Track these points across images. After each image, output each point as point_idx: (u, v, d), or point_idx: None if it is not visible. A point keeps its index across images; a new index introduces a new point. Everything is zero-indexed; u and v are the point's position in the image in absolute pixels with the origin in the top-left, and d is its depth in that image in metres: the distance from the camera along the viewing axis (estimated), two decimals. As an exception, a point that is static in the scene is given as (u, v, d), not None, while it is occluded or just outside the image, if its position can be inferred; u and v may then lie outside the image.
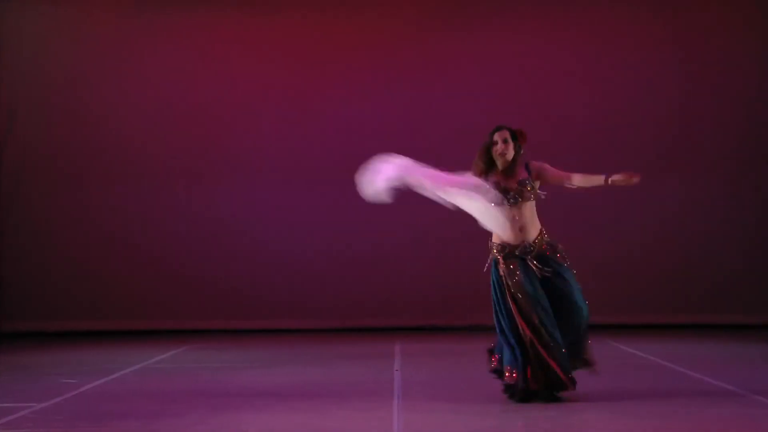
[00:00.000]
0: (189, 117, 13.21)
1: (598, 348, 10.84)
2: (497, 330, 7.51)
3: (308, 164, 13.17)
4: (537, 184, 7.54)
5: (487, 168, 7.55)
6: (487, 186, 7.30)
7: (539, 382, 7.22)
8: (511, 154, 7.53)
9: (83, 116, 13.23)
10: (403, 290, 13.07)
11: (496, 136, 7.58)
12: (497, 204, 7.34)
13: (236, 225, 13.13)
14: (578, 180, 7.58)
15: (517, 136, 7.58)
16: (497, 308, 7.54)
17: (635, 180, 7.38)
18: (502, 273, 7.53)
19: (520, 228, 7.47)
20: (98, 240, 13.20)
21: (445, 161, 12.99)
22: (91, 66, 13.25)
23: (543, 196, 7.55)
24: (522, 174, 7.51)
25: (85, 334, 12.74)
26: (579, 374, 7.35)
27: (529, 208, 7.49)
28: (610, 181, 7.44)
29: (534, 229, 7.49)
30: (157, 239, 13.17)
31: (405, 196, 13.32)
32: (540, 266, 7.42)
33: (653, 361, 9.68)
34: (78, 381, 8.54)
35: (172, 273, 13.13)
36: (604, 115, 13.21)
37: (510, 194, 7.43)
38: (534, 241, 7.47)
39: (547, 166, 7.58)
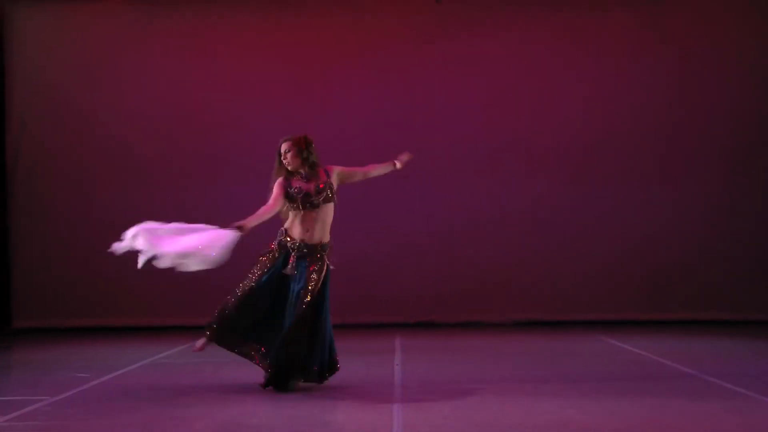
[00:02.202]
0: (196, 120, 13.19)
1: (592, 344, 10.91)
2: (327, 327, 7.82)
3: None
4: (335, 186, 7.89)
5: (288, 175, 7.83)
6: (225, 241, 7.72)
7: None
8: (295, 163, 7.80)
9: (92, 119, 13.21)
10: (403, 289, 13.07)
11: (282, 148, 7.89)
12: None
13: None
14: (375, 171, 8.11)
15: (303, 144, 7.86)
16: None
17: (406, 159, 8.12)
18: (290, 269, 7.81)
19: (320, 228, 7.80)
20: (106, 240, 13.09)
21: (441, 162, 13.16)
22: (97, 71, 13.23)
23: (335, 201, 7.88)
24: (322, 177, 7.83)
25: (95, 330, 12.74)
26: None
27: (328, 210, 7.82)
28: (398, 165, 8.11)
29: (329, 230, 7.87)
30: (162, 239, 13.15)
31: (405, 197, 13.36)
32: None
33: (645, 356, 9.67)
34: (90, 375, 8.56)
35: (178, 272, 13.09)
36: (598, 120, 13.22)
37: (310, 198, 7.73)
38: (327, 242, 7.84)
39: (341, 168, 7.96)
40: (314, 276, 7.71)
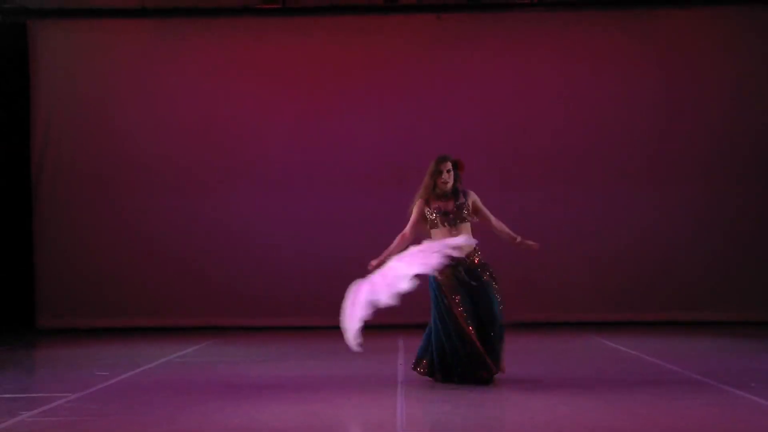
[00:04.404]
0: (207, 130, 13.27)
1: (585, 343, 10.95)
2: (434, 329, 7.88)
3: (312, 173, 13.24)
4: (471, 209, 7.90)
5: (429, 196, 7.87)
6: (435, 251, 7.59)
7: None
8: (451, 183, 7.87)
9: (111, 130, 13.29)
10: (406, 292, 13.07)
11: (441, 167, 7.87)
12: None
13: (251, 230, 13.15)
14: (496, 225, 7.98)
15: (457, 166, 7.94)
16: (434, 310, 7.89)
17: (535, 248, 7.88)
18: (439, 281, 7.81)
19: None
20: (126, 244, 13.26)
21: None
22: (117, 84, 13.32)
23: (474, 220, 7.91)
24: (460, 198, 7.86)
25: (114, 331, 12.77)
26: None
27: (465, 228, 7.82)
28: (518, 240, 7.91)
29: (468, 246, 7.77)
30: (179, 244, 13.21)
31: (407, 202, 13.31)
32: (468, 278, 7.73)
33: (634, 355, 9.70)
34: (109, 373, 8.58)
35: (192, 275, 13.17)
36: (590, 128, 13.26)
37: (449, 216, 7.80)
38: (467, 257, 7.76)
39: (478, 201, 7.95)
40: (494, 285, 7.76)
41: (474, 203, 7.91)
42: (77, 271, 13.19)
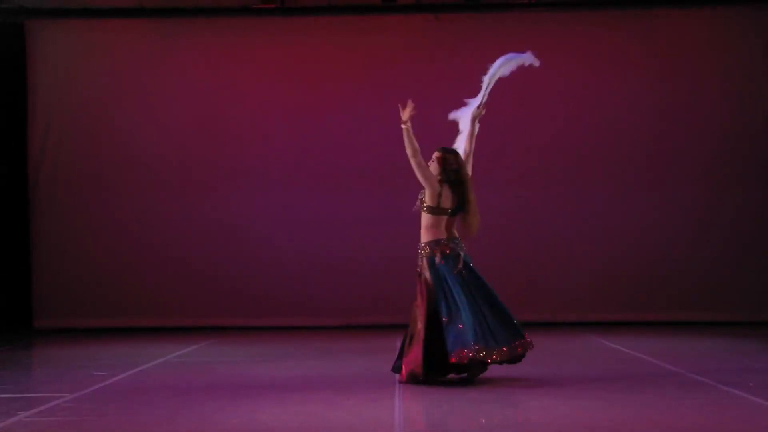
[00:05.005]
0: (206, 130, 13.27)
1: (583, 343, 10.95)
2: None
3: (312, 173, 13.23)
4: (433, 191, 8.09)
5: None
6: None
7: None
8: (436, 172, 8.18)
9: (111, 130, 13.28)
10: (405, 291, 13.07)
11: (433, 155, 8.29)
12: None
13: (251, 230, 13.16)
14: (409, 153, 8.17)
15: (439, 161, 8.25)
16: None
17: (411, 107, 8.11)
18: None
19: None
20: (124, 244, 13.25)
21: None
22: (116, 84, 13.31)
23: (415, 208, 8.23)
24: None
25: (112, 331, 12.77)
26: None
27: (422, 218, 8.12)
28: (404, 124, 8.22)
29: (423, 236, 8.12)
30: (177, 243, 13.20)
31: (407, 203, 13.32)
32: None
33: (633, 355, 9.70)
34: (107, 373, 8.57)
35: (191, 275, 13.16)
36: (589, 129, 13.26)
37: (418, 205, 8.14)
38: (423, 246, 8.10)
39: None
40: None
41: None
42: (75, 271, 13.18)
